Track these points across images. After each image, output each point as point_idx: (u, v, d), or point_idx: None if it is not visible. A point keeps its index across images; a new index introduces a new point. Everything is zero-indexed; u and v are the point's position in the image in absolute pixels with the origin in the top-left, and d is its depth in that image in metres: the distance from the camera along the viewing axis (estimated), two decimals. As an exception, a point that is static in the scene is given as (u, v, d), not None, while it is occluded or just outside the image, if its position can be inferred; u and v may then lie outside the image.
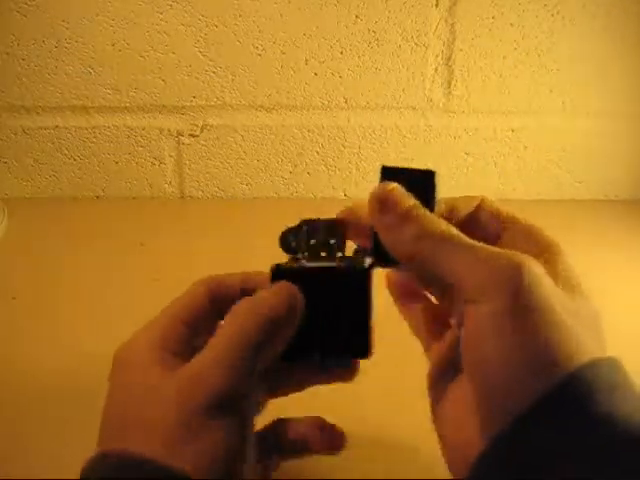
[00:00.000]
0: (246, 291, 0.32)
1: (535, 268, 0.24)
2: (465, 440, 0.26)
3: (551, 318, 0.23)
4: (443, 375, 0.29)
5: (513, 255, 0.25)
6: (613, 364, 0.24)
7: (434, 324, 0.33)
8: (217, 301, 0.31)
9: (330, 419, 0.34)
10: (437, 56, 0.62)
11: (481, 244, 0.26)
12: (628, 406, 0.22)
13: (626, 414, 0.22)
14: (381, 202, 0.31)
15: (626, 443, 0.21)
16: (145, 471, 0.24)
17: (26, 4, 0.59)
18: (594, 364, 0.23)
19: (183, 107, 0.65)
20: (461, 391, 0.28)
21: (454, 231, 0.27)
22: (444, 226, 0.28)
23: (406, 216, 0.29)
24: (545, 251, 0.28)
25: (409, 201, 0.30)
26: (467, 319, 0.25)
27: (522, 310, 0.23)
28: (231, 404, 0.26)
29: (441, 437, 0.29)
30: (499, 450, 0.23)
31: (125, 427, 0.26)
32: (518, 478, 0.22)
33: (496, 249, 0.26)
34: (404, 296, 0.34)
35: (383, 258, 0.30)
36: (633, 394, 0.23)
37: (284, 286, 0.30)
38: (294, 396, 0.34)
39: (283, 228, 0.32)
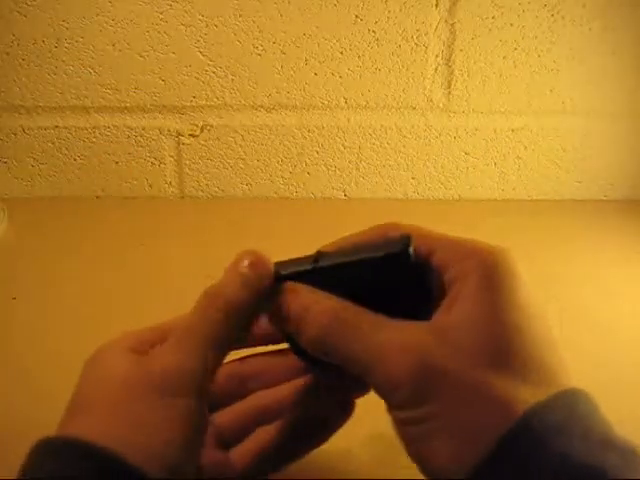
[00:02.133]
0: None
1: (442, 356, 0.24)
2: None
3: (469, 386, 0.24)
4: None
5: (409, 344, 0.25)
6: (559, 401, 0.23)
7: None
8: None
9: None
10: (437, 56, 0.63)
11: (377, 320, 0.26)
12: (583, 446, 0.22)
13: (581, 454, 0.21)
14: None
15: None
16: (77, 454, 0.24)
17: (26, 4, 0.59)
18: (548, 404, 0.23)
19: (183, 107, 0.65)
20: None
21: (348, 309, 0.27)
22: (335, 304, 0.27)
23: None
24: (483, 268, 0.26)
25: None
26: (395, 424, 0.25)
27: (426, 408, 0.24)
28: (182, 385, 0.26)
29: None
30: None
31: (71, 412, 0.27)
32: None
33: (396, 341, 0.25)
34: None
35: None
36: (589, 431, 0.23)
37: (238, 267, 0.31)
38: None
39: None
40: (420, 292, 0.27)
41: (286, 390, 0.33)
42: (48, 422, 0.41)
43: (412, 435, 0.25)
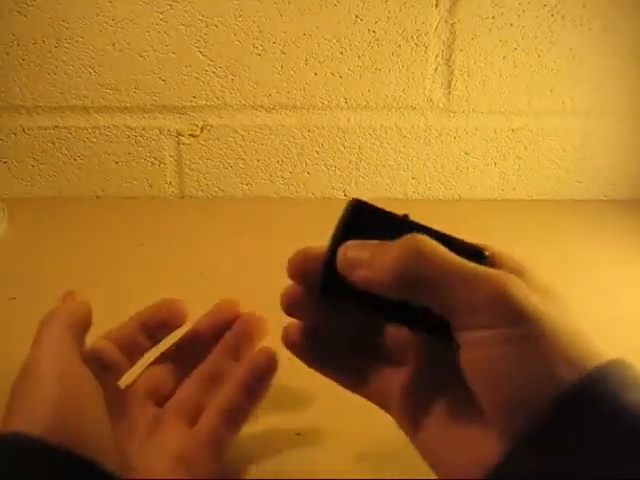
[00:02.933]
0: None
1: (519, 283, 0.24)
2: (464, 463, 0.25)
3: (548, 326, 0.24)
4: (417, 404, 0.29)
5: (497, 276, 0.25)
6: (624, 363, 0.24)
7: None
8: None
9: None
10: (437, 56, 0.63)
11: (468, 265, 0.25)
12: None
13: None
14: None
15: None
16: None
17: (26, 4, 0.59)
18: (608, 364, 0.23)
19: (183, 107, 0.65)
20: (448, 415, 0.27)
21: (443, 250, 0.26)
22: (434, 245, 0.26)
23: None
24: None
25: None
26: (467, 346, 0.25)
27: (520, 328, 0.23)
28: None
29: (433, 464, 0.28)
30: (521, 455, 0.22)
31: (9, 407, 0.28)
32: None
33: (480, 270, 0.25)
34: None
35: (336, 288, 0.28)
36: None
37: None
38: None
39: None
40: None
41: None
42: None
43: (496, 357, 0.24)
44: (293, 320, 0.32)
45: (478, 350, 0.24)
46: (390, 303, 0.27)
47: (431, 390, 0.29)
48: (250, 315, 0.37)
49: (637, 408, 0.22)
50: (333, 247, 0.28)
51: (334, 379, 0.32)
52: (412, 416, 0.29)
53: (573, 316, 0.26)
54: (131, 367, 0.35)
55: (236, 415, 0.34)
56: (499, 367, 0.24)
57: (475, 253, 0.27)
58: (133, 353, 0.35)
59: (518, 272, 0.26)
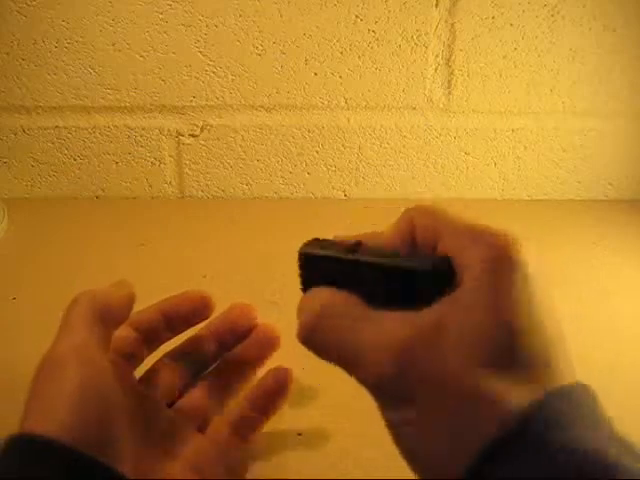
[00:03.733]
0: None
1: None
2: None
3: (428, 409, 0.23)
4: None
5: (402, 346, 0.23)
6: (566, 392, 0.22)
7: None
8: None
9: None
10: (437, 56, 0.63)
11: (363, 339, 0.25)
12: (593, 437, 0.21)
13: (592, 445, 0.20)
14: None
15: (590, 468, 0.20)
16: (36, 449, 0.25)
17: (26, 4, 0.59)
18: (548, 399, 0.22)
19: (183, 107, 0.65)
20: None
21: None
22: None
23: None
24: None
25: None
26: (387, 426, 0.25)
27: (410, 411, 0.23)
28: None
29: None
30: None
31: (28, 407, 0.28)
32: None
33: (376, 344, 0.24)
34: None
35: None
36: (598, 423, 0.22)
37: None
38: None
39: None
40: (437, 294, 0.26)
41: None
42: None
43: (402, 435, 0.24)
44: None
45: (392, 430, 0.25)
46: None
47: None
48: (266, 328, 0.37)
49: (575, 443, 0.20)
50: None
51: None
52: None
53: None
54: (148, 355, 0.35)
55: (247, 428, 0.35)
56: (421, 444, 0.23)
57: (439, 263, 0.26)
58: (152, 341, 0.35)
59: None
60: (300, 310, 0.27)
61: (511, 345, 0.22)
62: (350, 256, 0.28)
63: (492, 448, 0.21)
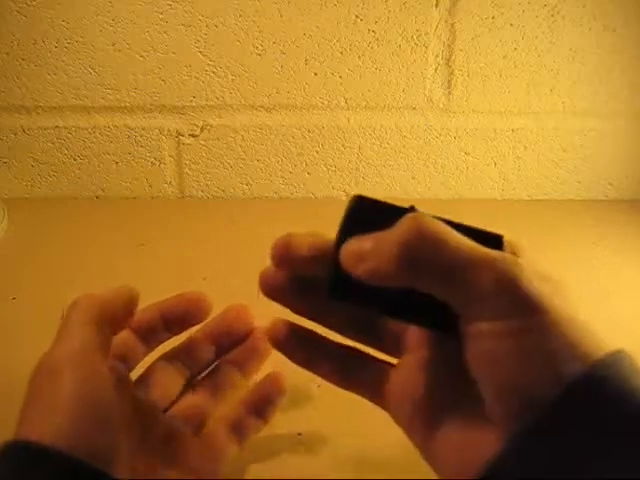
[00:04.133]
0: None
1: (528, 270, 0.24)
2: (464, 460, 0.25)
3: (554, 318, 0.23)
4: (414, 402, 0.28)
5: (504, 260, 0.24)
6: (627, 354, 0.23)
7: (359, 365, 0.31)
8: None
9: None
10: (437, 56, 0.63)
11: (473, 245, 0.24)
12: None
13: None
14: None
15: None
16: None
17: (26, 4, 0.59)
18: (612, 355, 0.22)
19: (183, 107, 0.65)
20: (446, 412, 0.27)
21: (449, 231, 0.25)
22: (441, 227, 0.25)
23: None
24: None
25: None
26: (472, 338, 0.24)
27: (527, 320, 0.23)
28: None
29: (431, 462, 0.27)
30: (521, 447, 0.22)
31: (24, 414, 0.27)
32: (542, 475, 0.21)
33: (487, 252, 0.24)
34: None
35: (344, 291, 0.27)
36: None
37: None
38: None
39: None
40: None
41: None
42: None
43: (495, 351, 0.23)
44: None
45: (483, 342, 0.23)
46: (397, 299, 0.26)
47: (429, 387, 0.28)
48: (262, 333, 0.36)
49: None
50: (338, 246, 0.27)
51: (325, 378, 0.31)
52: (409, 414, 0.28)
53: (576, 309, 0.25)
54: (145, 355, 0.35)
55: (243, 432, 0.35)
56: (504, 360, 0.23)
57: (492, 239, 0.26)
58: (149, 341, 0.34)
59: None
60: (382, 240, 0.25)
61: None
62: (411, 210, 0.26)
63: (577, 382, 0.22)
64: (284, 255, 0.29)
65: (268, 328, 0.31)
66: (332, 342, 0.31)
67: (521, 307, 0.23)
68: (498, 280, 0.23)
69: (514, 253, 0.26)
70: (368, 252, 0.25)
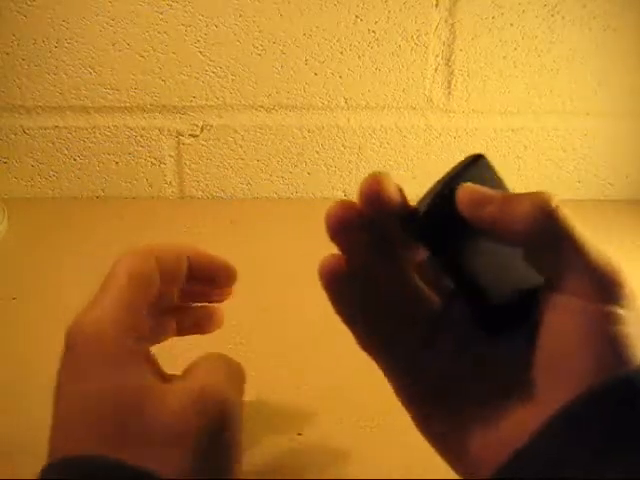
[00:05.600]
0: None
1: (629, 282, 0.26)
2: (489, 444, 0.25)
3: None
4: (435, 388, 0.28)
5: (612, 263, 0.27)
6: None
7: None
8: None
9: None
10: (437, 56, 0.63)
11: (590, 238, 0.27)
12: None
13: None
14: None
15: None
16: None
17: (26, 4, 0.59)
18: None
19: (183, 107, 0.65)
20: (469, 399, 0.27)
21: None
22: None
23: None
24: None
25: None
26: (557, 308, 0.25)
27: (624, 312, 0.24)
28: None
29: (447, 450, 0.27)
30: (553, 431, 0.22)
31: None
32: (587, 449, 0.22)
33: (602, 247, 0.27)
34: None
35: (437, 226, 0.28)
36: None
37: None
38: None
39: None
40: None
41: None
42: (48, 422, 0.41)
43: (590, 328, 0.24)
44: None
45: (569, 316, 0.24)
46: (476, 274, 0.27)
47: (456, 374, 0.28)
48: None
49: None
50: (442, 187, 0.28)
51: (354, 331, 0.29)
52: (426, 399, 0.28)
53: None
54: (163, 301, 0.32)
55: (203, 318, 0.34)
56: (583, 337, 0.24)
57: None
58: (169, 284, 0.32)
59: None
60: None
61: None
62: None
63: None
64: (374, 193, 0.28)
65: (321, 262, 0.28)
66: (379, 298, 0.29)
67: (624, 300, 0.25)
68: (609, 273, 0.26)
69: None
70: (496, 199, 0.28)
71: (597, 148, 0.67)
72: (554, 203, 0.27)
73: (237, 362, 0.30)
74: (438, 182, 0.28)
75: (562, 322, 0.25)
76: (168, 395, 0.26)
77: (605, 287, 0.25)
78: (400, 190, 0.29)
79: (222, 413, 0.26)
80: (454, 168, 0.28)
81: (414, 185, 0.68)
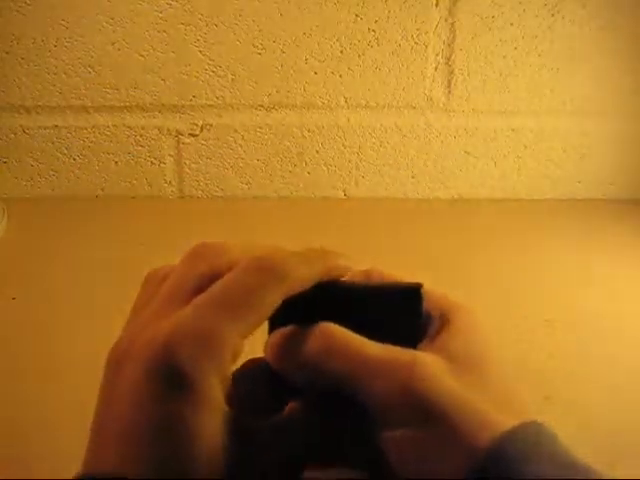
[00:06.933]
0: None
1: (427, 370, 0.24)
2: None
3: (452, 417, 0.24)
4: None
5: (404, 366, 0.25)
6: (524, 430, 0.24)
7: None
8: None
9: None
10: (437, 55, 0.62)
11: (376, 356, 0.25)
12: (551, 468, 0.23)
13: (551, 476, 0.22)
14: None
15: None
16: None
17: (26, 3, 0.59)
18: (503, 438, 0.23)
19: (183, 106, 0.65)
20: None
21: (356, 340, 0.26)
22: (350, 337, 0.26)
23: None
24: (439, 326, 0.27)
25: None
26: (386, 442, 0.25)
27: (429, 425, 0.24)
28: None
29: None
30: None
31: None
32: None
33: (388, 360, 0.25)
34: None
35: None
36: (556, 455, 0.23)
37: None
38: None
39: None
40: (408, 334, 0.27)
41: None
42: (48, 422, 0.41)
43: (404, 454, 0.24)
44: None
45: (393, 445, 0.24)
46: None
47: None
48: None
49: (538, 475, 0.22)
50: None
51: None
52: None
53: (496, 383, 0.26)
54: None
55: None
56: (412, 464, 0.24)
57: (409, 293, 0.27)
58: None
59: (443, 321, 0.27)
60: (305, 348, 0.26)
61: (487, 376, 0.25)
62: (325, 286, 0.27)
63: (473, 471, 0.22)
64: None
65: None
66: None
67: (421, 415, 0.24)
68: (399, 391, 0.24)
69: (429, 304, 0.27)
70: (283, 350, 0.27)
71: (597, 148, 0.67)
72: (332, 340, 0.26)
73: None
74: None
75: (390, 450, 0.25)
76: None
77: (405, 409, 0.24)
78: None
79: None
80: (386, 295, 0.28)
81: (414, 185, 0.68)
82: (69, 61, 0.62)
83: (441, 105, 0.65)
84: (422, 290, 0.27)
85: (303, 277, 0.26)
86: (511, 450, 0.23)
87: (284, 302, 0.25)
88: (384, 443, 0.25)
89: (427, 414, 0.24)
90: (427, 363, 0.25)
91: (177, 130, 0.66)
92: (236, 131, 0.66)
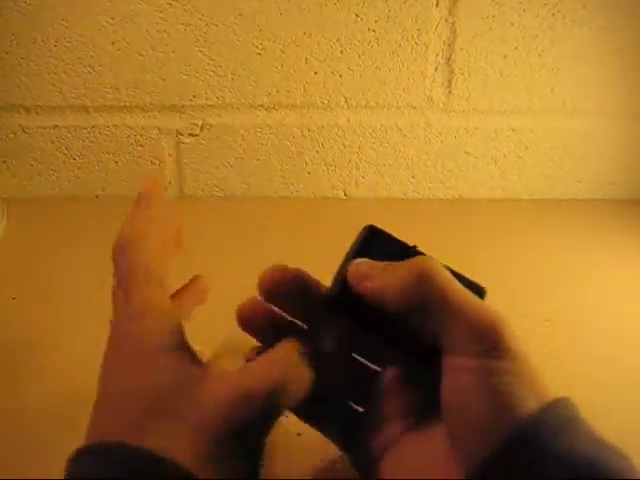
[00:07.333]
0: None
1: (508, 322, 0.27)
2: None
3: (521, 365, 0.26)
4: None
5: (493, 313, 0.27)
6: (567, 403, 0.26)
7: None
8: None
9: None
10: (437, 55, 0.62)
11: (468, 294, 0.27)
12: (584, 440, 0.24)
13: (585, 447, 0.24)
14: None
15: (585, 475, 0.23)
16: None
17: (25, 3, 0.59)
18: (550, 406, 0.25)
19: (183, 106, 0.65)
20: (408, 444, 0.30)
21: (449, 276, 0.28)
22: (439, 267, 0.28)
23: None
24: None
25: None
26: (450, 370, 0.27)
27: (502, 364, 0.26)
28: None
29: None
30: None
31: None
32: None
33: (478, 302, 0.27)
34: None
35: (343, 304, 0.30)
36: (586, 428, 0.25)
37: (283, 356, 0.29)
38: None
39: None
40: None
41: None
42: (48, 422, 0.41)
43: (473, 386, 0.26)
44: None
45: (460, 375, 0.26)
46: (386, 329, 0.29)
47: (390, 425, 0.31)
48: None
49: (573, 452, 0.24)
50: (345, 264, 0.30)
51: None
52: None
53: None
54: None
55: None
56: (474, 394, 0.25)
57: (475, 289, 0.29)
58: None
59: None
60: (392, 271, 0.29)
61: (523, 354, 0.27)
62: (414, 249, 0.30)
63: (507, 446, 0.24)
64: (272, 286, 0.30)
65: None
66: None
67: (499, 353, 0.26)
68: (485, 329, 0.26)
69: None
70: (375, 275, 0.28)
71: (597, 148, 0.67)
72: (433, 268, 0.28)
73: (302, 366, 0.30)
74: (344, 260, 0.31)
75: (452, 381, 0.27)
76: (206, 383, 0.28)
77: (484, 342, 0.26)
78: (301, 277, 0.31)
79: (251, 410, 0.27)
80: (353, 244, 0.31)
81: (414, 185, 0.68)
82: (69, 61, 0.62)
83: (441, 105, 0.65)
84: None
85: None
86: (552, 420, 0.24)
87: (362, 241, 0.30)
88: (444, 366, 0.27)
89: (499, 358, 0.26)
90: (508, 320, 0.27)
91: (177, 130, 0.66)
92: (236, 131, 0.66)
